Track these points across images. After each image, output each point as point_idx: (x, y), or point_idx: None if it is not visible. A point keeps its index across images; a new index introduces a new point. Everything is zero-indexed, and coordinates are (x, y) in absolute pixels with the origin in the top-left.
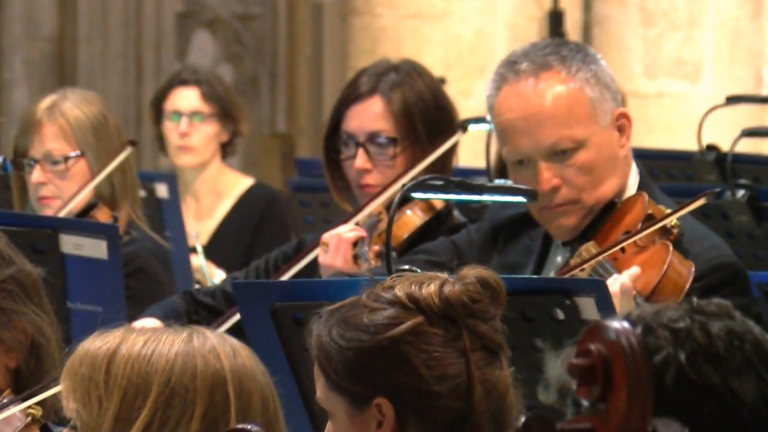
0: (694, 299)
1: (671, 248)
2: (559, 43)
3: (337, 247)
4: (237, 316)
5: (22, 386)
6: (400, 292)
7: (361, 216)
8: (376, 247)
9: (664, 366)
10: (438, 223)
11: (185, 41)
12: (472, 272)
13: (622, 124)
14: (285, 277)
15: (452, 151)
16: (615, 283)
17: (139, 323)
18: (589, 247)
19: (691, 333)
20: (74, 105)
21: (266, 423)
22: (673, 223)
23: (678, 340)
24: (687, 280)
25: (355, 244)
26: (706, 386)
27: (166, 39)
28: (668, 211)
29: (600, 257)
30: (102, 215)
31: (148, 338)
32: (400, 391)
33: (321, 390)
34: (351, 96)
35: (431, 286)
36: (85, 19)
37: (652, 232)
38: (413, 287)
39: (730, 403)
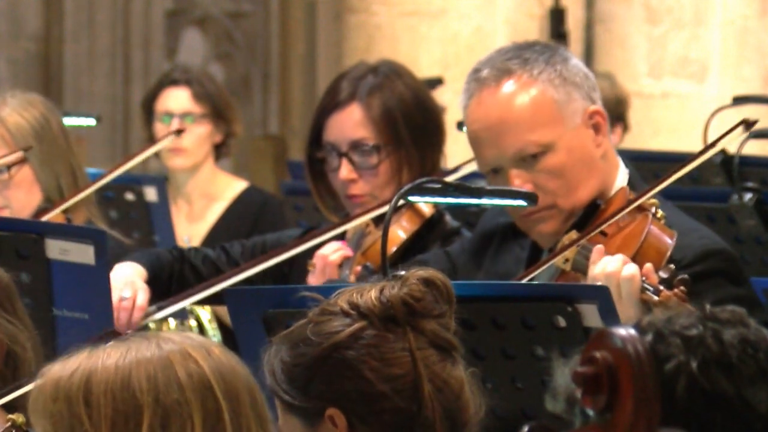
0: (707, 306)
1: (650, 217)
2: (523, 46)
3: (322, 269)
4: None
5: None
6: (342, 302)
7: (348, 227)
8: (358, 268)
9: (675, 374)
10: (429, 230)
11: (174, 40)
12: (415, 273)
13: (597, 122)
14: (257, 269)
15: (441, 150)
16: (602, 266)
17: (120, 267)
18: (571, 235)
19: (704, 341)
20: (13, 111)
21: (257, 416)
22: (659, 214)
23: (690, 348)
24: (669, 246)
25: (340, 265)
26: (718, 396)
27: (155, 37)
28: (652, 200)
29: (581, 240)
30: (55, 219)
31: (117, 357)
32: (349, 399)
33: (279, 417)
34: (330, 105)
35: (372, 291)
36: (72, 17)
37: (633, 212)
38: (354, 296)
39: (743, 414)
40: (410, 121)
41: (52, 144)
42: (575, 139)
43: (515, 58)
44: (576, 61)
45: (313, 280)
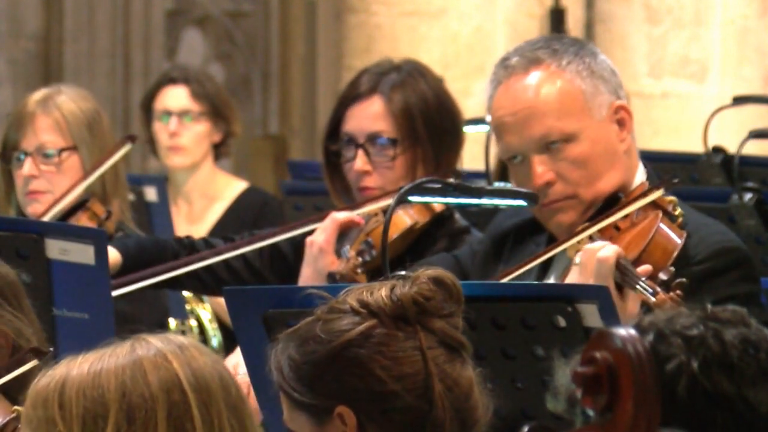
0: (708, 306)
1: (660, 215)
2: (552, 38)
3: (324, 226)
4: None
5: (4, 391)
6: (351, 300)
7: (359, 212)
8: (359, 244)
9: (676, 374)
10: (438, 226)
11: (175, 40)
12: (425, 272)
13: (622, 118)
14: (270, 241)
15: (457, 153)
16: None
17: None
18: (583, 227)
19: (705, 341)
20: (69, 99)
21: (231, 409)
22: (677, 212)
23: (691, 348)
24: (677, 246)
25: (346, 234)
26: (719, 396)
27: (155, 37)
28: (671, 197)
29: (589, 231)
30: (96, 208)
31: (92, 361)
32: (359, 397)
33: (285, 412)
34: (351, 96)
35: (382, 290)
36: (72, 16)
37: (647, 209)
38: (364, 294)
39: (744, 414)
40: (429, 121)
41: (102, 139)
42: (600, 131)
43: (544, 48)
44: (604, 57)
45: (312, 236)
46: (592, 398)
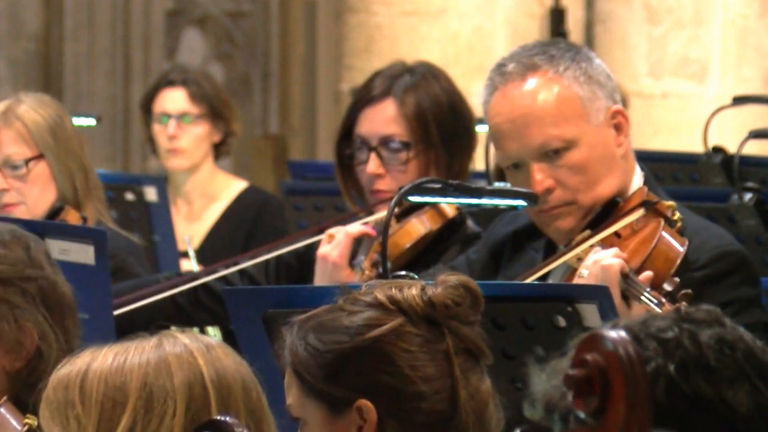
0: (682, 307)
1: (662, 223)
2: (548, 43)
3: (338, 240)
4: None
5: (19, 391)
6: (380, 295)
7: (370, 219)
8: (374, 255)
9: (653, 378)
10: (450, 232)
11: (174, 40)
12: (452, 277)
13: (619, 122)
14: (269, 256)
15: (470, 156)
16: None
17: None
18: (585, 234)
19: (681, 343)
20: (30, 108)
21: (250, 411)
22: (676, 217)
23: (667, 351)
24: (679, 254)
25: (359, 244)
26: (698, 398)
27: (155, 37)
28: (669, 202)
29: (591, 241)
30: (70, 218)
31: (117, 351)
32: (384, 393)
33: (294, 397)
34: (364, 99)
35: (413, 289)
36: (72, 16)
37: (647, 216)
38: (393, 290)
39: (725, 415)
40: (442, 123)
41: (67, 143)
42: (598, 137)
43: (540, 54)
44: (599, 61)
45: (324, 249)
46: (583, 401)
